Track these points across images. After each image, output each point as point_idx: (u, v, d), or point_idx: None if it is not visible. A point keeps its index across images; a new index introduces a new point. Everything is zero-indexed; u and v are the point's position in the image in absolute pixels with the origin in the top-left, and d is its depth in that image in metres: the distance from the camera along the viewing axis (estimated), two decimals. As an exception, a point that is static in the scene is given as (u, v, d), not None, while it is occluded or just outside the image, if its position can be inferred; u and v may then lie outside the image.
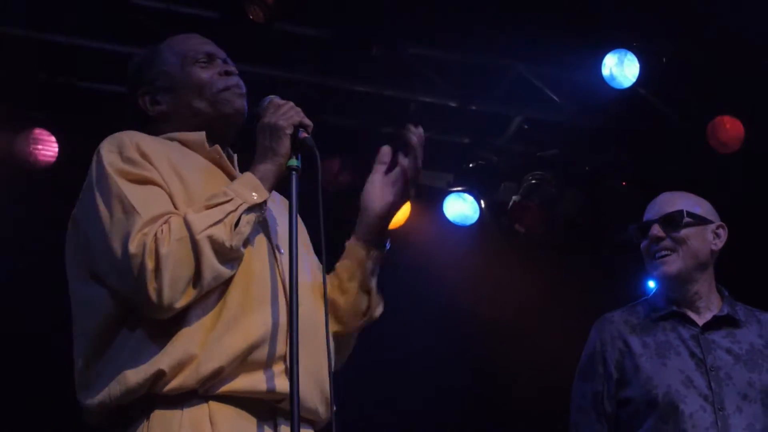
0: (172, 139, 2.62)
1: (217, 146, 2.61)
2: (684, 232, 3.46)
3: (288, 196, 2.42)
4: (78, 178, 5.70)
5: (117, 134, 2.54)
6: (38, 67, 5.37)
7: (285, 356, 2.38)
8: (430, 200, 6.39)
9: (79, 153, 5.50)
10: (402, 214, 6.29)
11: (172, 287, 2.28)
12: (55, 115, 5.49)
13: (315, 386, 2.46)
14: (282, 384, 2.36)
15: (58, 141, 5.44)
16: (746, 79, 5.77)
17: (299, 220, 2.68)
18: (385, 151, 2.79)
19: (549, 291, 6.60)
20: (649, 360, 3.40)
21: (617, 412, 3.44)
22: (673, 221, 3.48)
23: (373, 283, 2.74)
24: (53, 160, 5.43)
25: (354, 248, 2.72)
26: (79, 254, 2.49)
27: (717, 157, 6.00)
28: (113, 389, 2.32)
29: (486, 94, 6.09)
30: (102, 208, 2.39)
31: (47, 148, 5.40)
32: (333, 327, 2.63)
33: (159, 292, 2.27)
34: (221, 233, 2.31)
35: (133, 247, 2.28)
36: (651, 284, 6.66)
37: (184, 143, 2.61)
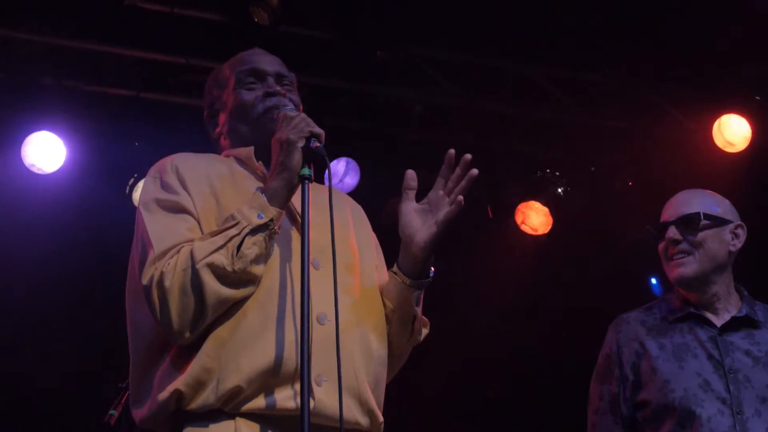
0: (228, 156, 2.74)
1: (260, 163, 2.68)
2: (701, 234, 3.39)
3: (301, 205, 2.44)
4: (85, 181, 5.74)
5: (163, 159, 2.65)
6: (44, 71, 5.38)
7: (308, 373, 2.37)
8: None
9: (85, 156, 5.53)
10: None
11: (180, 317, 2.37)
12: (62, 118, 5.50)
13: (352, 399, 2.48)
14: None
15: (65, 144, 5.45)
16: (753, 78, 5.76)
17: (368, 230, 2.84)
18: (411, 175, 2.76)
19: (553, 290, 6.60)
20: (666, 363, 3.33)
21: (634, 414, 3.38)
22: (689, 223, 3.40)
23: (418, 311, 2.75)
24: (60, 163, 5.44)
25: (398, 282, 2.70)
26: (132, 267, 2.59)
27: (723, 156, 5.98)
28: (150, 407, 2.44)
29: (491, 95, 6.08)
30: (135, 236, 2.54)
31: (54, 151, 5.41)
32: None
33: (167, 322, 2.37)
34: (222, 258, 2.37)
35: (144, 281, 2.40)
36: (653, 281, 6.69)
37: (238, 159, 2.72)
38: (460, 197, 2.63)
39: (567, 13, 5.52)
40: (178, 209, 2.51)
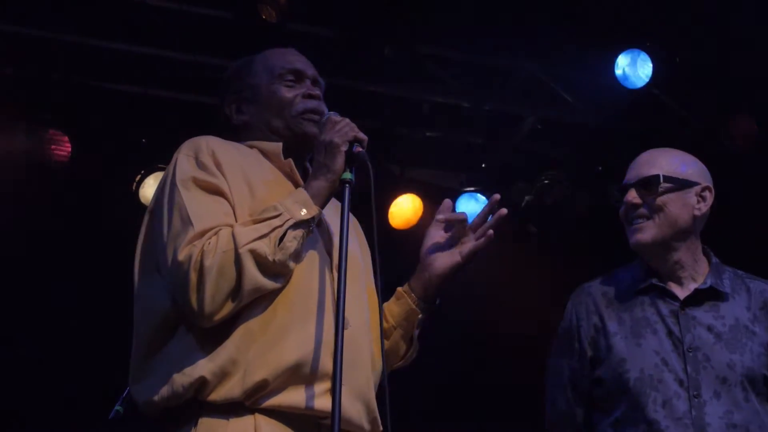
0: (252, 147, 2.72)
1: (290, 160, 2.68)
2: (661, 198, 3.15)
3: (341, 208, 2.47)
4: (91, 177, 5.77)
5: (196, 138, 2.63)
6: (52, 68, 5.39)
7: (330, 374, 2.40)
8: (442, 200, 6.39)
9: (92, 152, 5.54)
10: (414, 214, 6.29)
11: (213, 298, 2.34)
12: (69, 114, 5.51)
13: (361, 403, 2.52)
14: (326, 402, 2.38)
15: (72, 141, 5.46)
16: (759, 78, 5.75)
17: (365, 241, 2.84)
18: (448, 205, 2.84)
19: (560, 291, 6.58)
20: (623, 340, 3.13)
21: (590, 391, 3.20)
22: (649, 186, 3.16)
23: (416, 333, 2.81)
24: (67, 159, 5.45)
25: (406, 300, 2.78)
26: (150, 244, 2.56)
27: (730, 156, 5.97)
28: (162, 391, 2.40)
29: (499, 94, 6.08)
30: (166, 212, 2.48)
31: (61, 147, 5.43)
32: None
33: (200, 302, 2.34)
34: (264, 247, 2.37)
35: (181, 257, 2.37)
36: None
37: (262, 152, 2.71)
38: (491, 232, 2.73)
39: (573, 13, 5.52)
40: (216, 191, 2.50)
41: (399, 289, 2.81)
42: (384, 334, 2.70)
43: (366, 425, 2.54)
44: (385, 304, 2.79)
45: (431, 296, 2.78)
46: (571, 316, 3.32)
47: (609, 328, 3.18)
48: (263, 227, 2.39)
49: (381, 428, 2.63)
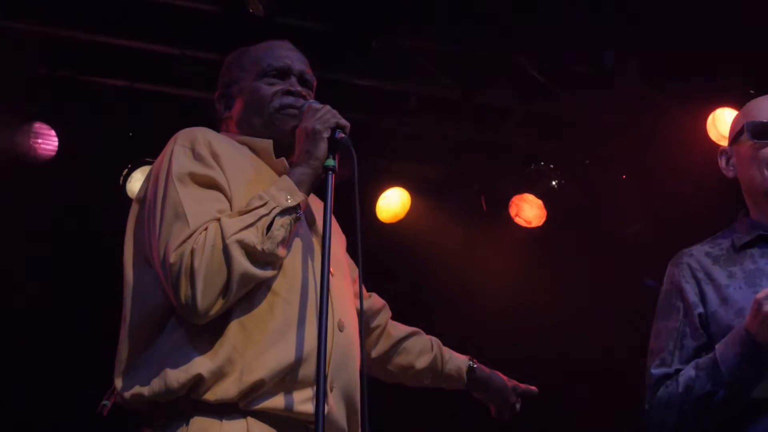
0: (242, 143, 2.71)
1: (284, 159, 2.68)
2: None
3: (324, 195, 2.48)
4: (78, 171, 5.74)
5: (192, 129, 2.62)
6: (39, 61, 5.37)
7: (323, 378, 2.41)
8: (431, 193, 6.40)
9: (78, 146, 5.52)
10: (402, 208, 6.29)
11: (205, 295, 2.33)
12: (56, 108, 5.49)
13: (350, 406, 2.54)
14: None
15: (58, 135, 5.44)
16: (746, 70, 5.76)
17: (345, 245, 2.87)
18: (533, 393, 3.34)
19: (547, 283, 6.60)
20: (738, 290, 3.02)
21: (703, 350, 3.02)
22: None
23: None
24: (53, 153, 5.44)
25: (459, 372, 3.30)
26: (141, 235, 2.54)
27: (718, 149, 5.97)
28: (154, 385, 2.38)
29: (486, 87, 6.08)
30: (160, 205, 2.46)
31: (47, 141, 5.42)
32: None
33: (193, 299, 2.33)
34: (252, 237, 2.37)
35: (172, 257, 2.36)
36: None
37: (252, 149, 2.70)
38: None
39: (560, 5, 5.52)
40: (212, 185, 2.50)
41: (470, 362, 3.31)
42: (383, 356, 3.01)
43: (348, 427, 2.56)
44: (450, 352, 3.32)
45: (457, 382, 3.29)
46: (671, 278, 3.19)
47: (719, 281, 3.08)
48: (249, 217, 2.39)
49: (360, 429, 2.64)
